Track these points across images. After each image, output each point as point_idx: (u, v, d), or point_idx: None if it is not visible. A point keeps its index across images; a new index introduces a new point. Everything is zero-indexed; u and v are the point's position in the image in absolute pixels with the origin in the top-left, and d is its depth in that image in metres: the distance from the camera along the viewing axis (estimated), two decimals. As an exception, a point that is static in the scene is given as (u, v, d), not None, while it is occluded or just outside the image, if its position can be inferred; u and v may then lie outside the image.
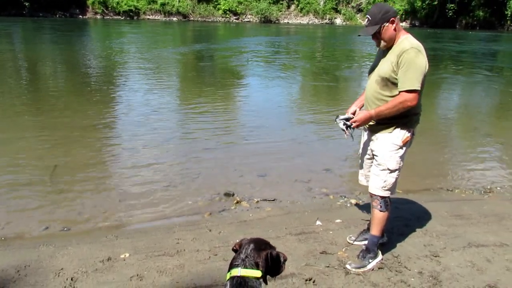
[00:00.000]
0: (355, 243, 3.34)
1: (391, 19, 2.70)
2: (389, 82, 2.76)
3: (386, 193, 2.93)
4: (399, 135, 2.82)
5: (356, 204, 4.18)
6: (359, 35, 2.90)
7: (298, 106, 9.11)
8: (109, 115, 7.38)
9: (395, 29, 2.72)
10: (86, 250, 3.16)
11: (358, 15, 47.29)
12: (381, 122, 2.85)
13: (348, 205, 4.17)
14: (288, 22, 45.21)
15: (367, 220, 3.66)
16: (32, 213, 3.88)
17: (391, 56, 2.74)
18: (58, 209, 3.96)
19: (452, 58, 18.75)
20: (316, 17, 46.33)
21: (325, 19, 46.30)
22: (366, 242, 3.15)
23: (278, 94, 10.13)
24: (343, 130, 2.93)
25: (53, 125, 6.63)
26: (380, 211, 2.98)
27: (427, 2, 43.06)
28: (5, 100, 8.36)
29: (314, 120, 7.67)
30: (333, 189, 4.56)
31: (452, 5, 42.17)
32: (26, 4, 35.06)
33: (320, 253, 3.17)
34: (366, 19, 2.79)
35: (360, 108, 3.07)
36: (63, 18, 36.99)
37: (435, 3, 42.17)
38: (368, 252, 3.05)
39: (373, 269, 2.97)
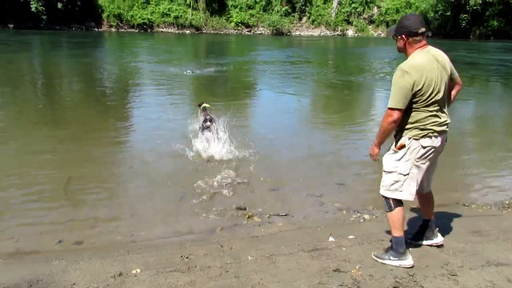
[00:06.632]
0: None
1: (402, 35, 2.92)
2: None
3: (385, 193, 3.13)
4: (396, 141, 3.09)
5: (370, 220, 4.11)
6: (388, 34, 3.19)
7: (310, 119, 9.06)
8: (123, 129, 7.45)
9: (404, 45, 2.95)
10: (98, 265, 3.16)
11: (370, 26, 47.17)
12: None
13: (362, 220, 4.10)
14: (300, 34, 45.35)
15: (382, 240, 3.60)
16: (45, 226, 3.91)
17: None
18: (72, 223, 3.98)
19: (465, 69, 18.51)
20: (327, 29, 46.33)
21: (337, 30, 46.27)
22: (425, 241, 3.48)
23: (290, 107, 10.08)
24: None
25: (69, 138, 6.71)
26: (386, 211, 3.19)
27: (440, 12, 42.78)
28: (22, 111, 8.51)
29: (327, 133, 7.62)
30: (346, 204, 4.49)
31: (466, 15, 41.79)
32: (44, 18, 35.93)
33: (333, 270, 3.11)
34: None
35: None
36: (79, 31, 37.78)
37: (448, 13, 41.86)
38: (391, 248, 3.22)
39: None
